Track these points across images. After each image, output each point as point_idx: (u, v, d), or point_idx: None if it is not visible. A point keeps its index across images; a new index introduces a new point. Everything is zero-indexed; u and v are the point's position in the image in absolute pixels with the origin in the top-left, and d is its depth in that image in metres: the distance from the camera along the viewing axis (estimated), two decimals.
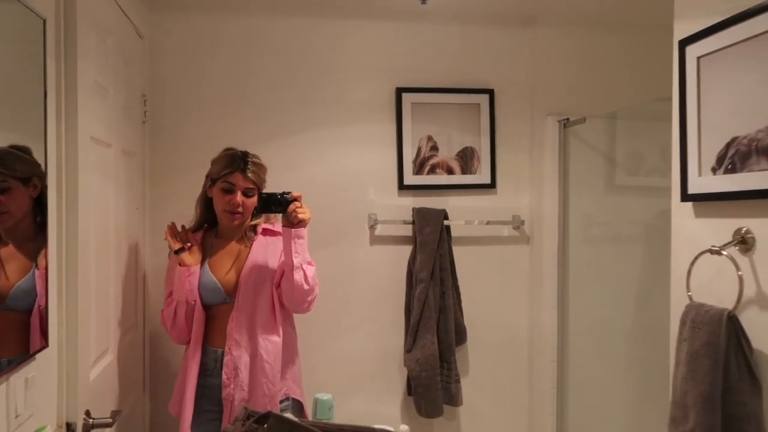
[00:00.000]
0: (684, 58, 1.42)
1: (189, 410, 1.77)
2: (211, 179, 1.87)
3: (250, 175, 1.82)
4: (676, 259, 1.53)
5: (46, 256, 1.29)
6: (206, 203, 1.91)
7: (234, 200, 1.82)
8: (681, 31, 1.46)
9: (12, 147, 1.17)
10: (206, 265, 1.85)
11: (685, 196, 1.46)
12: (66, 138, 1.40)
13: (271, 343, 1.81)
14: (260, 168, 1.87)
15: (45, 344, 1.28)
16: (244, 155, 1.85)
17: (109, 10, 1.74)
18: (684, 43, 1.42)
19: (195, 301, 1.81)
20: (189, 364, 1.81)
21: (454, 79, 2.48)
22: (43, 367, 1.29)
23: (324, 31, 2.39)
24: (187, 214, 1.95)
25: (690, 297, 1.39)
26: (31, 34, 1.24)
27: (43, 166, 1.28)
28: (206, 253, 1.87)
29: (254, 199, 1.85)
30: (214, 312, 1.85)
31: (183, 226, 1.88)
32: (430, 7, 2.22)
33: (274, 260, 1.87)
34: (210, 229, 1.93)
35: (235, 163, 1.82)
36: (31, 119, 1.26)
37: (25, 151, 1.24)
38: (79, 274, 1.43)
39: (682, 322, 1.37)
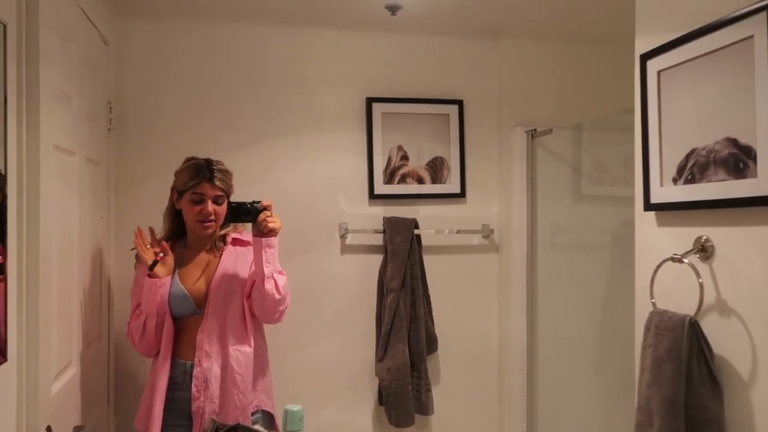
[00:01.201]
0: (645, 72, 1.46)
1: (157, 425, 1.73)
2: (178, 192, 1.83)
3: (217, 183, 1.80)
4: (640, 267, 1.57)
5: (4, 266, 1.25)
6: (174, 215, 1.88)
7: (205, 210, 1.79)
8: (642, 45, 1.50)
9: None
10: (176, 276, 1.81)
11: (648, 206, 1.50)
12: (27, 146, 1.36)
13: (242, 354, 1.78)
14: (226, 174, 1.85)
15: (3, 359, 1.24)
16: (208, 163, 1.82)
17: (72, 15, 1.70)
18: (645, 58, 1.46)
19: (165, 313, 1.77)
20: (157, 377, 1.77)
21: (424, 90, 2.50)
22: (1, 382, 1.25)
23: (294, 39, 2.39)
24: (152, 223, 1.90)
25: (653, 304, 1.42)
26: None
27: (2, 174, 1.24)
28: (176, 264, 1.83)
29: (225, 206, 1.83)
30: (183, 323, 1.81)
31: (152, 230, 1.83)
32: (400, 18, 2.24)
33: (244, 270, 1.85)
34: (178, 240, 1.90)
35: (201, 173, 1.79)
36: None
37: None
38: (41, 284, 1.38)
39: (646, 329, 1.40)
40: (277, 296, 1.76)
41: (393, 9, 2.18)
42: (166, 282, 1.76)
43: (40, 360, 1.38)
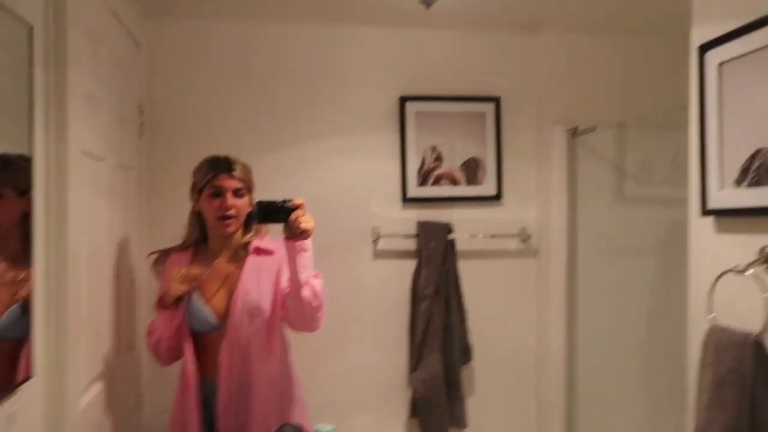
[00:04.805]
0: (704, 65, 1.35)
1: None
2: (197, 190, 1.75)
3: (235, 173, 1.72)
4: (696, 277, 1.45)
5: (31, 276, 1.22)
6: (197, 220, 1.79)
7: (225, 203, 1.70)
8: (700, 35, 1.39)
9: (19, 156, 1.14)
10: (195, 291, 1.72)
11: (705, 211, 1.38)
12: (56, 152, 1.33)
13: (267, 371, 1.71)
14: (245, 167, 1.77)
15: (30, 374, 1.21)
16: (226, 157, 1.75)
17: (101, 16, 1.68)
18: (704, 49, 1.35)
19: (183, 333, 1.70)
20: (185, 399, 1.70)
21: (459, 87, 2.41)
22: (28, 399, 1.21)
23: (325, 37, 2.33)
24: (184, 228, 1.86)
25: (713, 319, 1.31)
26: (16, 42, 1.17)
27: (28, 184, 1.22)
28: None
29: (246, 200, 1.75)
30: (205, 340, 1.73)
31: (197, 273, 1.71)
32: (434, 13, 2.15)
33: (268, 281, 1.74)
34: (198, 248, 1.81)
35: (218, 165, 1.72)
36: (17, 132, 1.19)
37: (28, 161, 1.18)
38: (69, 296, 1.35)
39: (705, 347, 1.29)
40: (315, 303, 1.66)
41: (428, 3, 2.09)
42: (181, 312, 1.68)
43: (68, 374, 1.34)
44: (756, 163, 1.23)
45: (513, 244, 2.47)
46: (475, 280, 2.42)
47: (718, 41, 1.30)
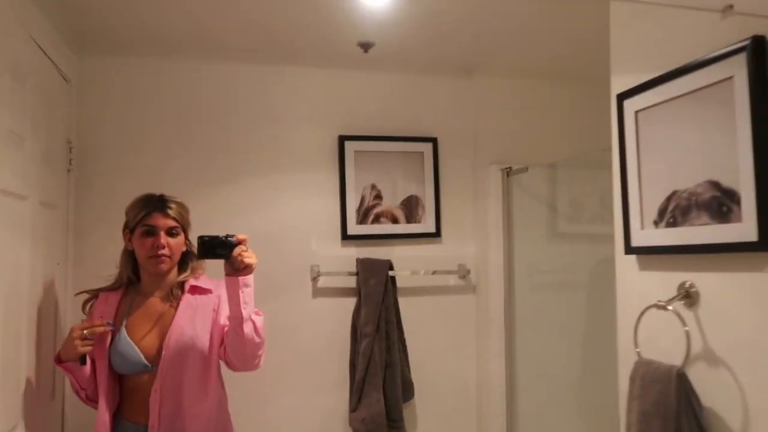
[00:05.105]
0: (622, 112, 1.43)
1: None
2: (129, 229, 1.69)
3: (170, 212, 1.67)
4: (622, 313, 1.51)
5: None
6: (129, 258, 1.73)
7: (157, 242, 1.65)
8: (618, 85, 1.48)
9: None
10: (123, 330, 1.65)
11: (629, 249, 1.45)
12: None
13: (201, 412, 1.64)
14: (181, 206, 1.72)
15: None
16: (161, 196, 1.71)
17: (27, 52, 1.62)
18: (621, 97, 1.43)
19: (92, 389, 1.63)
20: None
21: (397, 127, 2.46)
22: None
23: (264, 77, 2.34)
24: (115, 268, 1.78)
25: (638, 353, 1.36)
26: None
27: None
28: (123, 315, 1.68)
29: (180, 240, 1.70)
30: (132, 382, 1.65)
31: (102, 325, 1.62)
32: (373, 56, 2.21)
33: (204, 320, 1.69)
34: (129, 287, 1.75)
35: (152, 204, 1.67)
36: None
37: None
38: None
39: (632, 380, 1.34)
40: (257, 339, 1.62)
41: (365, 46, 2.15)
42: (81, 369, 1.61)
43: None
44: (672, 205, 1.30)
45: (452, 281, 2.50)
46: (415, 317, 2.42)
47: (634, 91, 1.38)
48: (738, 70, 1.10)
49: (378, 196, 2.43)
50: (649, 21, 1.41)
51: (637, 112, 1.39)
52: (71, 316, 2.03)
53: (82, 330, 1.57)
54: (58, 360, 1.61)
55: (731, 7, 1.04)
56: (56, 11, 1.80)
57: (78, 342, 1.56)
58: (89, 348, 1.58)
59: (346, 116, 2.41)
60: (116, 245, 1.85)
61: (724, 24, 1.16)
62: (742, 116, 1.10)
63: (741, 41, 1.10)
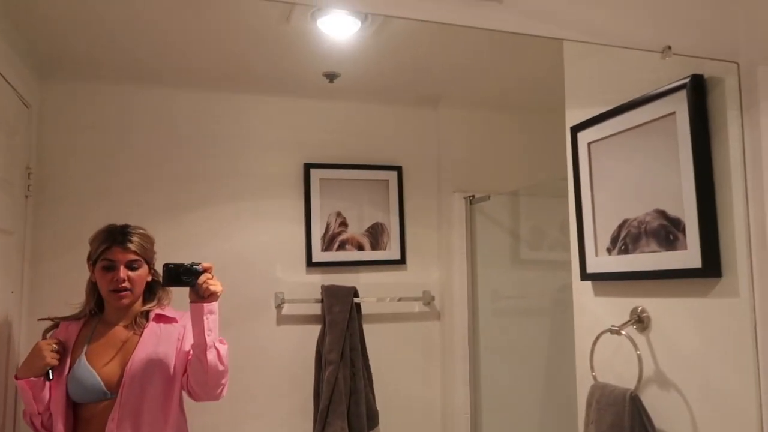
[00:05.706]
0: (576, 144, 1.50)
1: None
2: (92, 262, 1.69)
3: (130, 246, 1.66)
4: (580, 337, 1.55)
5: None
6: (93, 289, 1.72)
7: (117, 276, 1.64)
8: (572, 118, 1.55)
9: None
10: (83, 357, 1.62)
11: (584, 275, 1.50)
12: None
13: None
14: (144, 238, 1.71)
15: None
16: (123, 227, 1.70)
17: None
18: (575, 130, 1.50)
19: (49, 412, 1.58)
20: None
21: (362, 156, 2.49)
22: None
23: (229, 105, 2.35)
24: (73, 296, 1.74)
25: (594, 377, 1.39)
26: None
27: None
28: (84, 342, 1.65)
29: (142, 272, 1.69)
30: (89, 411, 1.61)
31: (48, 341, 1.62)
32: (338, 86, 2.25)
33: (168, 349, 1.68)
34: (94, 315, 1.73)
35: (112, 237, 1.66)
36: None
37: None
38: None
39: (588, 404, 1.37)
40: (221, 367, 1.61)
41: (331, 77, 2.19)
42: (39, 386, 1.58)
43: None
44: (623, 233, 1.36)
45: (417, 307, 2.52)
46: (380, 344, 2.42)
47: (586, 124, 1.45)
48: (679, 105, 1.17)
49: (343, 224, 2.45)
50: (599, 58, 1.49)
51: (590, 143, 1.45)
52: (25, 345, 1.97)
53: (52, 344, 1.57)
54: (18, 377, 1.57)
55: (669, 48, 1.11)
56: (17, 34, 1.79)
57: (47, 353, 1.55)
58: (56, 362, 1.58)
59: (312, 144, 2.44)
60: (76, 272, 1.82)
61: (667, 63, 1.23)
62: (684, 149, 1.17)
63: (682, 79, 1.17)
